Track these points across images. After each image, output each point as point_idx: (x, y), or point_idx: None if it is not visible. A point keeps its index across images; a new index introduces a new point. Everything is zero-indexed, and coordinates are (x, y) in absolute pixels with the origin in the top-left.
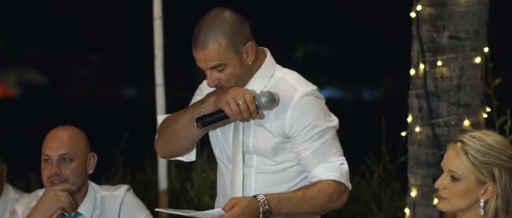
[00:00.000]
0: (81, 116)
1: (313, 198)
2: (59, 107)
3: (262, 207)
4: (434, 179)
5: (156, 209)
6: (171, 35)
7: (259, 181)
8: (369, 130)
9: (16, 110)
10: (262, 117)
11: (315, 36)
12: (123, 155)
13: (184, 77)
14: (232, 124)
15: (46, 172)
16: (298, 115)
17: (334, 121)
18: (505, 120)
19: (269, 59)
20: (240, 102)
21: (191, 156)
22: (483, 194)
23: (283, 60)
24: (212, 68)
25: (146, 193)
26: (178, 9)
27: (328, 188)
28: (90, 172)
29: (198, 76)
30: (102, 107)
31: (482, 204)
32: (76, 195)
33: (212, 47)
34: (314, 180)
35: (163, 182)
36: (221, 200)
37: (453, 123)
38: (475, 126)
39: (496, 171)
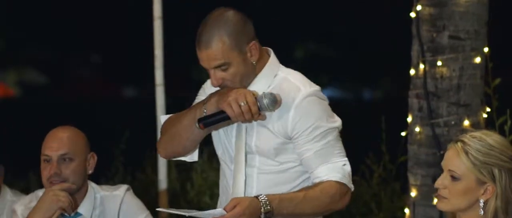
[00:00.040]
0: (81, 116)
1: (315, 199)
2: (59, 107)
3: (264, 208)
4: (434, 179)
5: (157, 209)
6: (171, 35)
7: (261, 181)
8: (369, 130)
9: (16, 110)
10: (263, 118)
11: (315, 36)
12: (123, 155)
13: (184, 77)
14: (235, 124)
15: (46, 172)
16: (300, 115)
17: (337, 121)
18: (505, 120)
19: (273, 59)
20: (242, 104)
21: (193, 156)
22: (482, 194)
23: (283, 60)
24: (216, 67)
25: (146, 193)
26: (178, 9)
27: (330, 189)
28: (90, 172)
29: (202, 77)
30: (102, 107)
31: (481, 204)
32: (76, 195)
33: (215, 47)
34: (317, 180)
35: (163, 182)
36: (223, 200)
37: (453, 123)
38: (475, 126)
39: (496, 171)
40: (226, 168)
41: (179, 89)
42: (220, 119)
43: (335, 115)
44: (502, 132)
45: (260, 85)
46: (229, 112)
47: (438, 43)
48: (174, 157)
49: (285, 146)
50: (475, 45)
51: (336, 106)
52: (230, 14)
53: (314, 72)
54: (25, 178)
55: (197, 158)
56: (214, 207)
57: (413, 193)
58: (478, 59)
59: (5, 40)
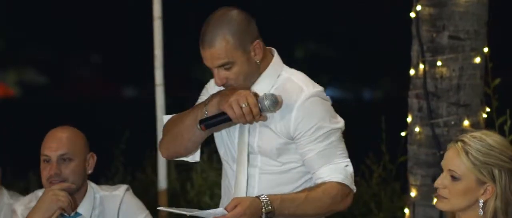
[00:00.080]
0: (81, 116)
1: (317, 199)
2: (59, 107)
3: (265, 208)
4: (434, 179)
5: (158, 208)
6: (171, 35)
7: (263, 181)
8: (369, 130)
9: (16, 110)
10: (265, 119)
11: (315, 36)
12: (123, 155)
13: (184, 77)
14: (237, 124)
15: (46, 172)
16: (303, 115)
17: (340, 122)
18: (505, 120)
19: (277, 59)
20: (243, 106)
21: (195, 157)
22: (482, 194)
23: (283, 60)
24: (220, 66)
25: (146, 193)
26: (178, 9)
27: (332, 190)
28: (90, 172)
29: (206, 77)
30: (102, 107)
31: (481, 204)
32: (76, 195)
33: (219, 46)
34: (319, 181)
35: (163, 182)
36: (225, 200)
37: (452, 123)
38: (474, 126)
39: (496, 172)
40: (228, 168)
41: (179, 89)
42: (221, 120)
43: (338, 115)
44: (501, 132)
45: (263, 85)
46: (230, 113)
47: (438, 43)
48: (176, 157)
49: (287, 146)
50: (475, 45)
51: (336, 106)
52: (234, 13)
53: (314, 72)
54: (25, 178)
55: (199, 158)
56: (215, 207)
57: (413, 193)
58: (478, 59)
59: (5, 40)
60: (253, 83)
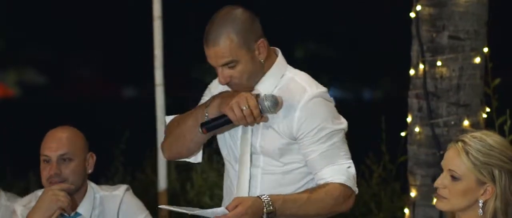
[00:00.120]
0: (81, 116)
1: (319, 200)
2: (59, 107)
3: (266, 208)
4: (434, 179)
5: (159, 206)
6: (171, 35)
7: (265, 182)
8: (369, 130)
9: (16, 110)
10: (266, 120)
11: (315, 36)
12: (123, 155)
13: (184, 77)
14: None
15: (46, 172)
16: (306, 116)
17: (343, 123)
18: (505, 120)
19: (281, 59)
20: (244, 108)
21: (197, 158)
22: (482, 195)
23: None
24: (224, 65)
25: (146, 193)
26: (178, 9)
27: (334, 191)
28: (90, 171)
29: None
30: (102, 107)
31: (481, 204)
32: (75, 195)
33: (223, 44)
34: (321, 182)
35: (162, 182)
36: (226, 201)
37: (452, 123)
38: (474, 126)
39: (496, 172)
40: (230, 168)
41: (179, 89)
42: (222, 123)
43: (341, 116)
44: (501, 132)
45: (267, 84)
46: (231, 115)
47: (437, 43)
48: (178, 158)
49: (290, 146)
50: (475, 45)
51: (336, 106)
52: (238, 12)
53: (314, 72)
54: (25, 178)
55: (201, 159)
56: (215, 207)
57: (413, 193)
58: (477, 60)
59: (5, 40)
60: (256, 82)
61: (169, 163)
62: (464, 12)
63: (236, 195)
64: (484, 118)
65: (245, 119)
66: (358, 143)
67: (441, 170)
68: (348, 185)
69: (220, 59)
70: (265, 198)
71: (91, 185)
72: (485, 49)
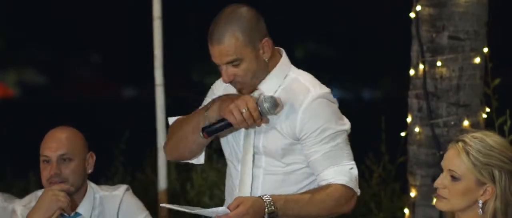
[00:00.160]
0: (81, 116)
1: (321, 201)
2: (59, 107)
3: (268, 208)
4: (434, 179)
5: (161, 205)
6: (171, 35)
7: (267, 182)
8: (369, 130)
9: (16, 110)
10: (267, 121)
11: (315, 36)
12: (123, 155)
13: (184, 77)
14: None
15: (46, 172)
16: (309, 116)
17: (346, 124)
18: (505, 120)
19: (285, 59)
20: (244, 111)
21: (200, 159)
22: (482, 195)
23: None
24: (228, 63)
25: (146, 193)
26: (178, 9)
27: (336, 192)
28: (89, 171)
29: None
30: (102, 107)
31: (480, 204)
32: (75, 195)
33: (228, 42)
34: (323, 183)
35: (163, 182)
36: (228, 201)
37: (452, 123)
38: (474, 126)
39: (496, 173)
40: (232, 169)
41: (179, 89)
42: (222, 126)
43: (344, 117)
44: (501, 132)
45: (270, 84)
46: (231, 119)
47: (437, 43)
48: (181, 160)
49: (292, 146)
50: (475, 46)
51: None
52: (243, 11)
53: (314, 72)
54: (25, 178)
55: (203, 160)
56: (215, 207)
57: (413, 193)
58: (477, 60)
59: (5, 40)
60: (260, 82)
61: (169, 163)
62: (464, 13)
63: (238, 194)
64: (484, 118)
65: (245, 122)
66: (358, 143)
67: (441, 170)
68: (350, 186)
69: (225, 57)
70: (266, 198)
71: (91, 185)
72: (485, 50)
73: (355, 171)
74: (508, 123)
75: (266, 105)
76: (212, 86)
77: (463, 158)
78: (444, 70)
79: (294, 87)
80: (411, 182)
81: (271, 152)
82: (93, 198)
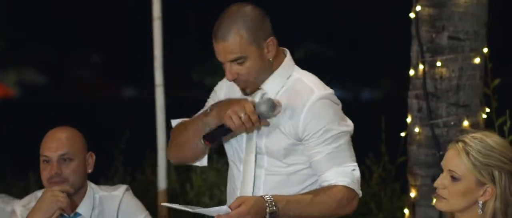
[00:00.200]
0: (81, 116)
1: (323, 202)
2: (59, 107)
3: (269, 208)
4: (434, 180)
5: (162, 204)
6: (171, 35)
7: (268, 182)
8: (368, 130)
9: (16, 110)
10: (267, 124)
11: (315, 36)
12: (123, 155)
13: (184, 78)
14: None
15: (46, 172)
16: (312, 117)
17: (349, 126)
18: (504, 121)
19: (289, 59)
20: (242, 115)
21: (203, 161)
22: (482, 195)
23: None
24: (232, 61)
25: (146, 194)
26: (178, 9)
27: (338, 194)
28: (89, 171)
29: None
30: (102, 107)
31: (480, 205)
32: (75, 196)
33: (233, 40)
34: (325, 184)
35: (162, 183)
36: (230, 201)
37: (452, 123)
38: (474, 126)
39: (496, 173)
40: (234, 169)
41: (179, 89)
42: (223, 132)
43: (347, 118)
44: (501, 132)
45: (274, 84)
46: (229, 124)
47: (437, 43)
48: (184, 163)
49: (294, 147)
50: (475, 46)
51: None
52: (248, 9)
53: (314, 72)
54: (25, 178)
55: (206, 163)
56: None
57: (413, 194)
58: (477, 60)
59: (5, 40)
60: (263, 81)
61: (168, 164)
62: (464, 13)
63: (240, 194)
64: (484, 118)
65: (244, 126)
66: (358, 143)
67: (441, 170)
68: (352, 187)
69: (229, 54)
70: (268, 198)
71: (91, 186)
72: (485, 50)
73: (357, 173)
74: (508, 123)
75: (263, 107)
76: (214, 88)
77: (463, 158)
78: (444, 70)
79: (297, 87)
80: (411, 182)
81: (273, 152)
82: (93, 198)
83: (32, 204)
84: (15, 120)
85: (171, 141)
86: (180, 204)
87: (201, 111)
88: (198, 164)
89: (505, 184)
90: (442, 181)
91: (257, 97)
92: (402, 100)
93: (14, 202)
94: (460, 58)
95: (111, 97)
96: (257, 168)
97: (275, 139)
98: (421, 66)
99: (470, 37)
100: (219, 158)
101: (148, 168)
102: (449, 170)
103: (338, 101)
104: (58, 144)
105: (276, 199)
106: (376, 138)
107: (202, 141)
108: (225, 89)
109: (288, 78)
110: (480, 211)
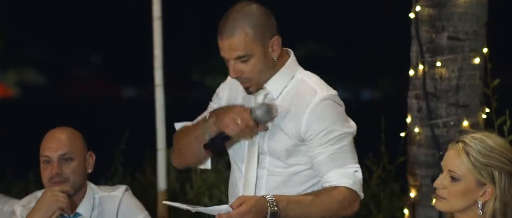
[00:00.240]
0: (81, 116)
1: (324, 203)
2: (59, 108)
3: (270, 208)
4: (433, 180)
5: (163, 202)
6: (171, 35)
7: (270, 183)
8: (368, 130)
9: (16, 110)
10: (265, 129)
11: (315, 36)
12: (123, 155)
13: (184, 78)
14: None
15: (47, 172)
16: (315, 117)
17: (352, 127)
18: (504, 121)
19: (292, 60)
20: (239, 121)
21: (206, 164)
22: (481, 196)
23: None
24: (237, 58)
25: (146, 194)
26: (178, 9)
27: (339, 195)
28: (89, 171)
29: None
30: (102, 107)
31: (480, 205)
32: (75, 196)
33: (238, 37)
34: (326, 185)
35: (162, 183)
36: (231, 201)
37: (452, 123)
38: (474, 126)
39: (496, 174)
40: (236, 169)
41: (179, 89)
42: (222, 140)
43: (350, 120)
44: (501, 133)
45: (277, 84)
46: (228, 132)
47: (437, 44)
48: (188, 167)
49: (297, 148)
50: (474, 46)
51: None
52: (254, 7)
53: (314, 72)
54: (25, 178)
55: (210, 166)
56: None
57: (413, 194)
58: (477, 60)
59: (5, 40)
60: (267, 80)
61: (168, 164)
62: (464, 13)
63: (242, 194)
64: (484, 118)
65: (242, 132)
66: (358, 143)
67: (441, 171)
68: (354, 189)
69: (234, 51)
70: (269, 198)
71: (91, 186)
72: (485, 50)
73: (359, 174)
74: (508, 123)
75: (259, 112)
76: (216, 91)
77: (463, 159)
78: (443, 70)
79: (300, 88)
80: (410, 183)
81: (276, 152)
82: (92, 198)
83: (32, 204)
84: (15, 120)
85: (173, 146)
86: (177, 207)
87: (203, 114)
88: (202, 166)
89: (505, 185)
90: (442, 181)
91: (259, 97)
92: (402, 101)
93: (13, 202)
94: (459, 58)
95: (111, 97)
96: (259, 168)
97: (277, 140)
98: (420, 67)
99: (469, 37)
100: (219, 158)
101: (148, 168)
102: (449, 170)
103: (341, 103)
104: (58, 144)
105: (277, 199)
106: (375, 138)
107: (203, 150)
108: (227, 92)
109: (291, 78)
110: (479, 211)
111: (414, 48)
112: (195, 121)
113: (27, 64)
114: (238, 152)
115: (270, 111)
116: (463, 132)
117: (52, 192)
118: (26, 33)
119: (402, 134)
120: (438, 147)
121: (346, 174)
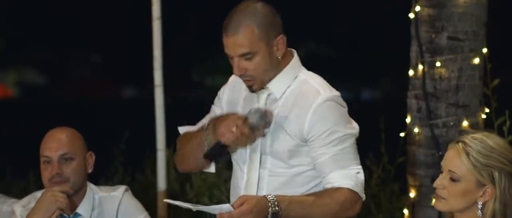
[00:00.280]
0: (81, 116)
1: (325, 204)
2: (59, 108)
3: (272, 208)
4: (433, 180)
5: (164, 200)
6: (171, 36)
7: (272, 183)
8: (368, 130)
9: (16, 110)
10: (262, 134)
11: (315, 36)
12: (122, 155)
13: (184, 78)
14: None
15: (47, 172)
16: (318, 118)
17: (355, 128)
18: (504, 121)
19: (296, 60)
20: (234, 129)
21: (211, 168)
22: (481, 196)
23: None
24: (241, 56)
25: (146, 194)
26: (178, 9)
27: (341, 196)
28: (89, 171)
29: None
30: (102, 107)
31: (480, 205)
32: (75, 196)
33: (244, 34)
34: (328, 186)
35: (162, 183)
36: (233, 201)
37: (451, 123)
38: (473, 126)
39: (496, 174)
40: (238, 169)
41: (179, 89)
42: (220, 149)
43: (353, 121)
44: (500, 133)
45: (280, 83)
46: (224, 141)
47: (437, 44)
48: (191, 171)
49: (299, 148)
50: (474, 46)
51: None
52: (259, 6)
53: (314, 72)
54: (25, 178)
55: (214, 169)
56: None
57: (412, 194)
58: (476, 60)
59: (5, 40)
60: (270, 79)
61: (168, 164)
62: (463, 13)
63: (244, 194)
64: (483, 118)
65: (239, 140)
66: (358, 144)
67: (440, 171)
68: (356, 190)
69: (239, 49)
70: (271, 198)
71: (90, 186)
72: (484, 50)
73: (361, 176)
74: (507, 123)
75: (253, 118)
76: (218, 93)
77: (463, 159)
78: (443, 70)
79: (303, 89)
80: (410, 183)
81: (278, 152)
82: (92, 198)
83: (32, 204)
84: (15, 120)
85: (177, 151)
86: (176, 208)
87: (205, 117)
88: (206, 170)
89: (504, 185)
90: (442, 181)
91: (262, 97)
92: (401, 101)
93: (11, 202)
94: (459, 58)
95: (111, 97)
96: (261, 169)
97: (280, 140)
98: (420, 67)
99: (469, 38)
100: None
101: (148, 168)
102: (449, 171)
103: (344, 104)
104: (58, 144)
105: (279, 199)
106: (375, 138)
107: (204, 160)
108: (228, 92)
109: (294, 79)
110: (479, 212)
111: (414, 48)
112: (197, 125)
113: (27, 64)
114: (240, 153)
115: (264, 116)
116: (463, 132)
117: (52, 192)
118: (26, 33)
119: (402, 134)
120: (438, 147)
121: (348, 175)
